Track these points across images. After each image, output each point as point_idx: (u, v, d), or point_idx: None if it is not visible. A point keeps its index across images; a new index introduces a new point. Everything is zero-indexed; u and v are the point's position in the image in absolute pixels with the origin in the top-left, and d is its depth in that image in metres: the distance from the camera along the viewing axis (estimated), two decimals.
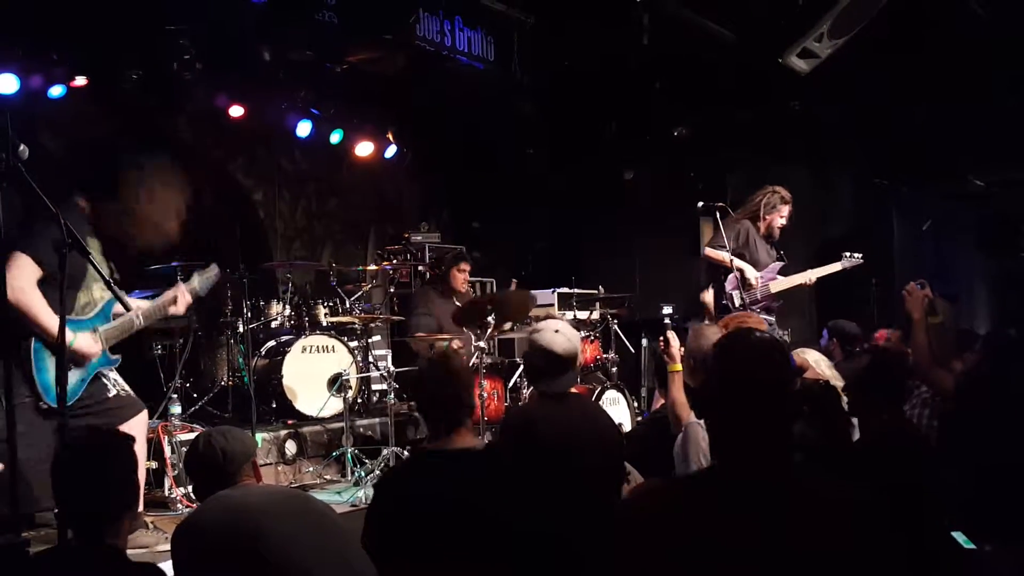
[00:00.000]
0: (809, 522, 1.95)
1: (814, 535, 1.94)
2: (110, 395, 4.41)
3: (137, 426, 4.45)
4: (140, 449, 4.44)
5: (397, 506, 2.88)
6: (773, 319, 6.59)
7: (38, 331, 4.08)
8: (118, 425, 4.30)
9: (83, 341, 4.23)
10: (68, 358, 3.91)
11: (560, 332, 3.70)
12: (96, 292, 4.39)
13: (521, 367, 6.97)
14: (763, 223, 6.77)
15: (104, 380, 4.42)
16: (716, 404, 2.13)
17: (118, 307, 4.36)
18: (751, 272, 6.55)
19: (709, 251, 6.75)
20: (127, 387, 4.56)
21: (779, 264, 6.71)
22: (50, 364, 4.13)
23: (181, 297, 4.66)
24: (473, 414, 3.47)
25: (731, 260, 6.50)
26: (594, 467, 3.51)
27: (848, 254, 6.77)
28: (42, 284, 4.08)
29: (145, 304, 4.64)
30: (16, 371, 3.91)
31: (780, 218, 6.78)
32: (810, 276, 6.74)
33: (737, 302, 6.55)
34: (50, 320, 4.01)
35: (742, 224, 6.72)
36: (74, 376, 4.20)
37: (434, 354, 3.55)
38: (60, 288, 3.40)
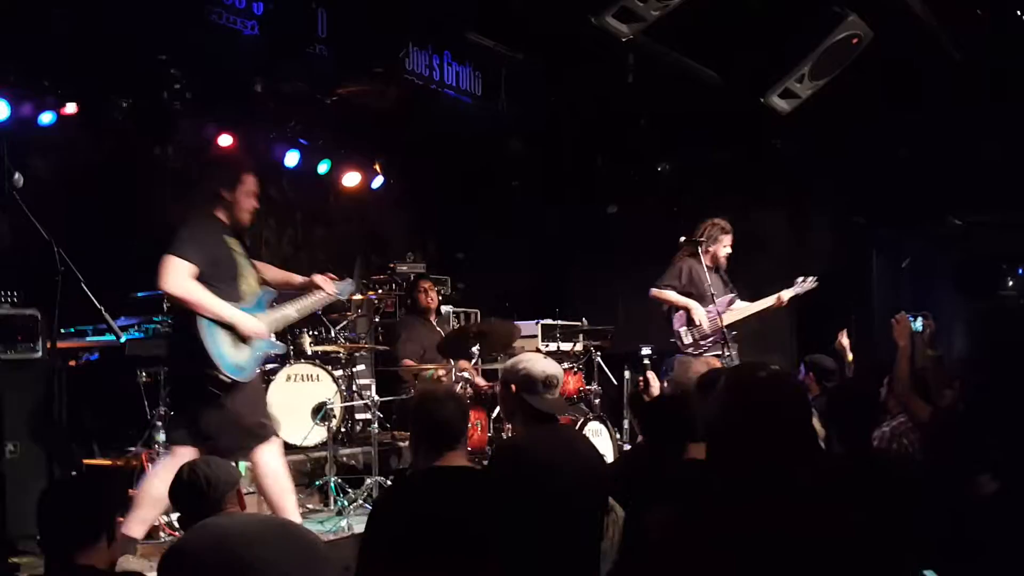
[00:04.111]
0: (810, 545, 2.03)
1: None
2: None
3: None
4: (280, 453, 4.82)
5: (397, 523, 2.94)
6: (733, 353, 6.69)
7: (205, 313, 4.45)
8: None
9: (247, 319, 4.60)
10: (241, 335, 4.54)
11: (548, 359, 3.81)
12: (252, 282, 4.82)
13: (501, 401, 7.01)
14: (707, 255, 6.84)
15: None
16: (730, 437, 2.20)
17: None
18: (697, 311, 6.66)
19: (654, 291, 6.87)
20: None
21: (729, 296, 6.82)
22: (220, 338, 4.49)
23: (327, 286, 5.13)
24: (467, 439, 3.55)
25: (676, 298, 6.69)
26: (578, 495, 3.56)
27: (801, 278, 6.86)
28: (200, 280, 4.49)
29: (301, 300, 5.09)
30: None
31: (723, 248, 6.87)
32: (765, 303, 6.84)
33: (687, 340, 6.67)
34: (213, 301, 4.46)
35: (684, 262, 6.80)
36: (246, 354, 4.60)
37: (430, 383, 3.67)
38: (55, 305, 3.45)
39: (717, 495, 2.18)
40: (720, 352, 6.61)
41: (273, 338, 4.92)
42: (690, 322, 6.69)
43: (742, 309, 6.80)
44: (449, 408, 3.26)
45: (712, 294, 6.67)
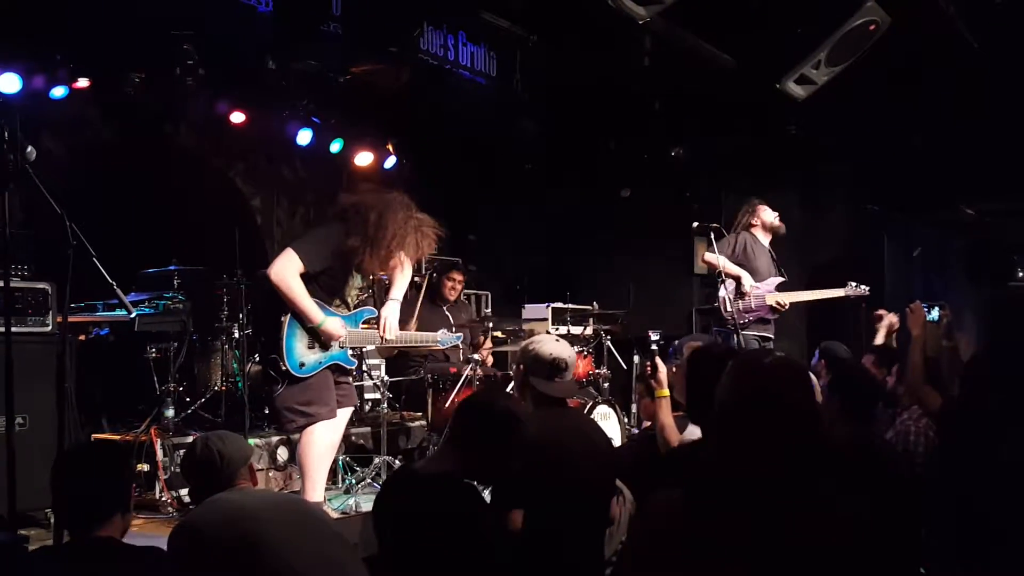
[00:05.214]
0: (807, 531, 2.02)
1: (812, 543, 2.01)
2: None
3: (343, 415, 5.12)
4: (337, 439, 5.16)
5: (383, 522, 2.97)
6: (771, 335, 6.67)
7: (295, 309, 4.82)
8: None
9: (332, 324, 4.92)
10: (320, 340, 4.90)
11: (560, 342, 3.83)
12: (351, 300, 5.18)
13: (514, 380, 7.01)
14: (758, 228, 6.85)
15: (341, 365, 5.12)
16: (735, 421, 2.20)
17: (370, 317, 5.25)
18: (747, 280, 6.61)
19: (707, 256, 6.80)
20: (350, 380, 5.28)
21: (778, 279, 6.77)
22: (298, 335, 4.86)
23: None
24: None
25: (728, 265, 6.62)
26: (587, 479, 3.55)
27: (854, 284, 6.81)
28: (304, 277, 4.82)
29: (401, 332, 5.39)
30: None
31: (766, 213, 6.88)
32: (811, 295, 6.81)
33: (729, 307, 6.61)
34: (306, 302, 4.80)
35: (740, 235, 6.81)
36: (316, 355, 4.93)
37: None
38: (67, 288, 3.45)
39: (721, 480, 2.18)
40: (759, 332, 6.61)
41: (349, 353, 5.13)
42: (738, 292, 6.63)
43: (800, 294, 6.79)
44: (496, 428, 3.16)
45: (762, 271, 6.69)
